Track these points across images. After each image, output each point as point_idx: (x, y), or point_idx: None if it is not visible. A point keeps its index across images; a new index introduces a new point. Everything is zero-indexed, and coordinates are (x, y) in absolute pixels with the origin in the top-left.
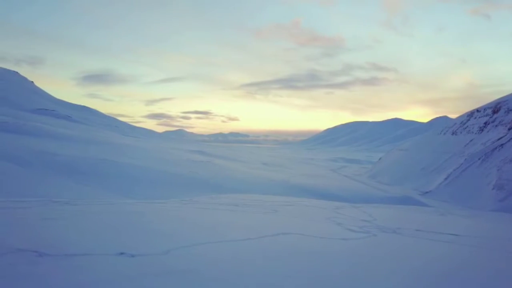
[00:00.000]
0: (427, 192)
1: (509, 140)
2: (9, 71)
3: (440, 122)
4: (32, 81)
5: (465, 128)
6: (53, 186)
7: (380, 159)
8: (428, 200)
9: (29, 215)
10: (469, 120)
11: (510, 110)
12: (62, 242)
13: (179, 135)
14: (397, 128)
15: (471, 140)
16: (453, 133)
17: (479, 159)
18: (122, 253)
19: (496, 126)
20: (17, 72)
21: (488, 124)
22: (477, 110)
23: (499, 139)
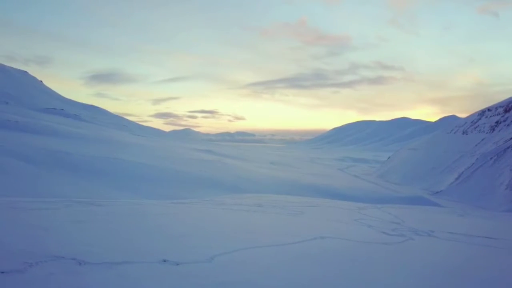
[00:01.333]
0: (437, 192)
1: None
2: (19, 70)
3: (448, 121)
4: (41, 81)
5: (476, 127)
6: (67, 184)
7: (388, 158)
8: (439, 200)
9: (58, 217)
10: (480, 119)
11: None
12: (99, 248)
13: (186, 134)
14: (404, 127)
15: (482, 140)
16: (463, 132)
17: (491, 158)
18: (165, 261)
19: (508, 125)
20: (26, 72)
21: (500, 123)
22: (488, 109)
23: (511, 138)
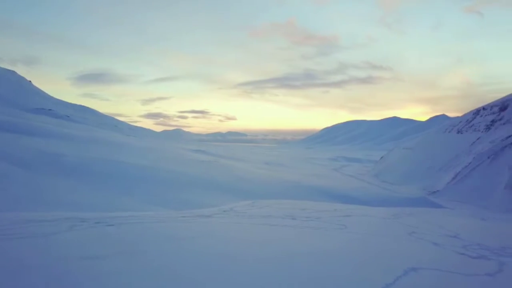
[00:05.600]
0: (434, 192)
1: None
2: (7, 70)
3: (439, 121)
4: (30, 81)
5: (471, 126)
6: (63, 190)
7: (382, 158)
8: (439, 200)
9: (62, 249)
10: (475, 118)
11: None
12: None
13: (177, 135)
14: (395, 127)
15: (478, 139)
16: (458, 132)
17: (488, 157)
18: None
19: (503, 124)
20: (14, 72)
21: (496, 122)
22: (483, 108)
23: (508, 137)
